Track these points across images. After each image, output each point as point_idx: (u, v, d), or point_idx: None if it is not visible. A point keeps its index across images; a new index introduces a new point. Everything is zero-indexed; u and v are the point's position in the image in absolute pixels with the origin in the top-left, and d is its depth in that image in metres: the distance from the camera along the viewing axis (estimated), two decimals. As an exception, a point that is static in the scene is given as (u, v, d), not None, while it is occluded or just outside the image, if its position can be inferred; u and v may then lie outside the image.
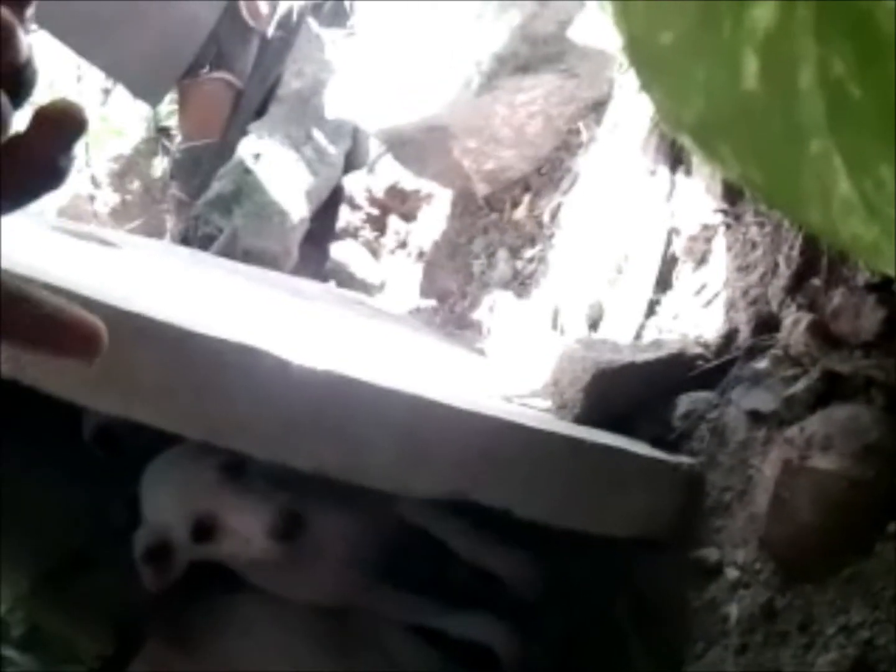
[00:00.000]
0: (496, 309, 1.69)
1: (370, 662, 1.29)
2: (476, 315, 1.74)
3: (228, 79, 2.36)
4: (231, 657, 1.28)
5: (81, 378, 0.99)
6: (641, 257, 1.45)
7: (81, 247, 1.50)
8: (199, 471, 1.22)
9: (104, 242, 1.59)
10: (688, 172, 1.46)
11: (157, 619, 1.31)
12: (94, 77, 2.76)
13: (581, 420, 1.24)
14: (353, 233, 2.09)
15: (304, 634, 1.30)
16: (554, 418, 1.26)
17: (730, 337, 1.27)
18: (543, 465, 1.13)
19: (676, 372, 1.25)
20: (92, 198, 2.53)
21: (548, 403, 1.30)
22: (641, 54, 0.66)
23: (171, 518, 1.23)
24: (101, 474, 1.38)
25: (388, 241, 2.04)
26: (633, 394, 1.26)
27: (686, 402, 1.23)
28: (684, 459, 1.18)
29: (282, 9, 2.37)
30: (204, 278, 1.63)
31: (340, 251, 2.09)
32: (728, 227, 1.34)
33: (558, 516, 1.13)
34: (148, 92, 2.39)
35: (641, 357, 1.26)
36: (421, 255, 1.96)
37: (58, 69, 2.76)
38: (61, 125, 0.47)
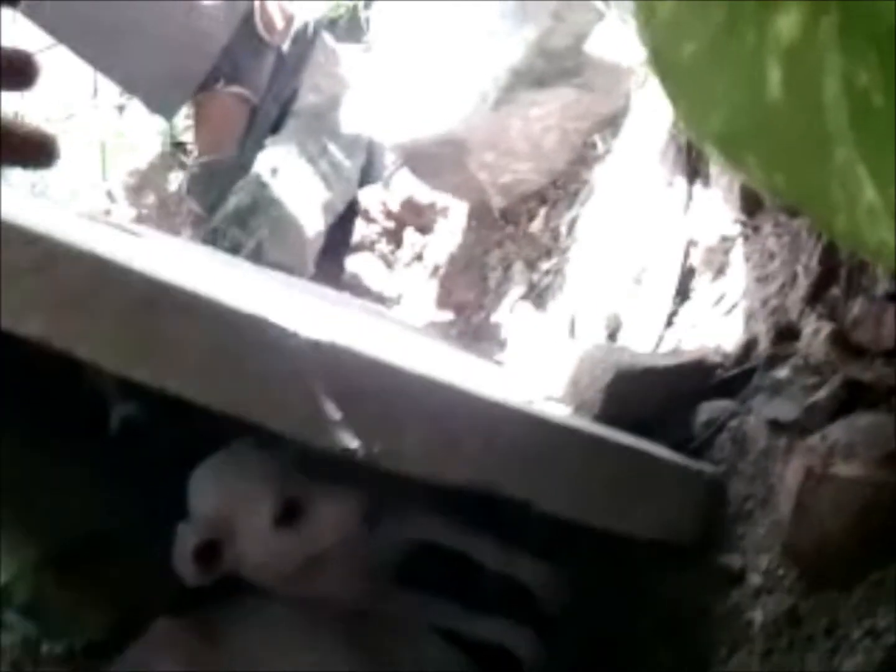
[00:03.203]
0: (513, 320, 1.71)
1: (396, 664, 1.30)
2: (492, 327, 1.75)
3: (243, 93, 2.37)
4: (253, 651, 1.28)
5: (117, 347, 1.00)
6: (659, 269, 1.46)
7: (110, 231, 1.51)
8: (278, 460, 1.23)
9: (129, 231, 1.60)
10: (706, 184, 1.47)
11: (170, 604, 1.31)
12: (109, 92, 2.78)
13: (599, 420, 1.25)
14: (368, 246, 2.11)
15: (329, 636, 1.29)
16: (576, 418, 1.27)
17: (749, 347, 1.27)
18: (569, 460, 1.14)
19: (696, 379, 1.26)
20: (108, 212, 2.55)
21: (567, 407, 1.31)
22: (665, 65, 0.67)
23: (245, 507, 1.24)
24: (123, 468, 1.40)
25: (404, 254, 2.05)
26: (653, 398, 1.27)
27: (707, 410, 1.24)
28: (706, 467, 1.19)
29: (297, 23, 2.39)
30: (230, 272, 1.64)
31: (356, 264, 2.11)
32: (746, 238, 1.35)
33: (582, 513, 1.13)
34: (163, 105, 2.41)
35: (662, 362, 1.28)
36: (437, 268, 1.97)
37: (74, 84, 2.78)
38: (32, 150, 0.48)
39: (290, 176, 2.20)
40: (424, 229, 2.03)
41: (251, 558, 1.25)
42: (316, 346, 1.05)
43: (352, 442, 1.06)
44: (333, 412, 1.06)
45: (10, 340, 0.98)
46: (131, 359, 1.01)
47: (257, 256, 2.09)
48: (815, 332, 1.18)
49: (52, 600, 1.39)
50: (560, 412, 1.30)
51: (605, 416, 1.26)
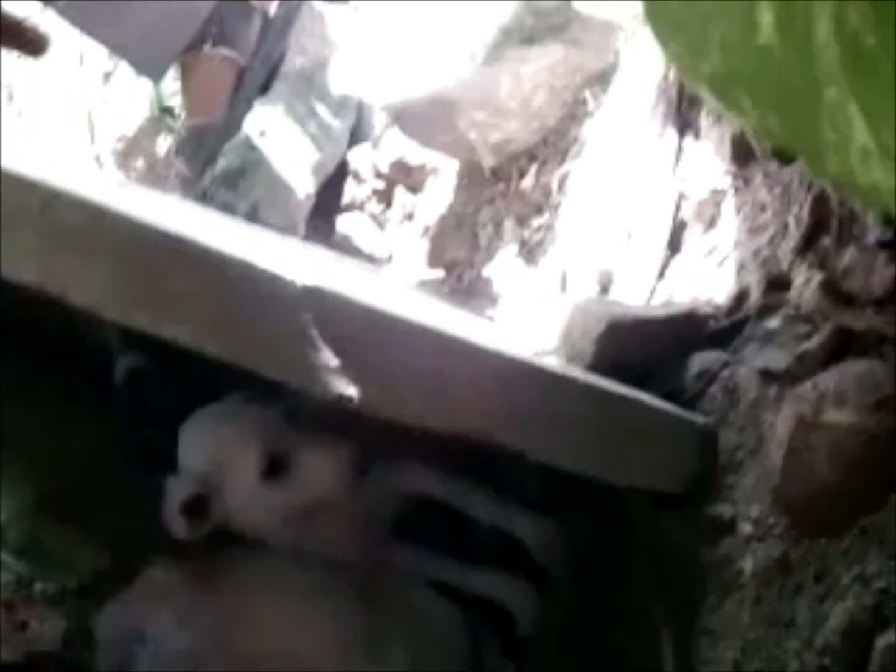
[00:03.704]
0: (504, 277, 1.70)
1: (395, 616, 1.30)
2: (484, 284, 1.75)
3: (231, 56, 2.36)
4: (248, 600, 1.28)
5: (114, 292, 1.00)
6: (651, 222, 1.46)
7: (103, 182, 1.51)
8: (266, 414, 1.24)
9: (120, 185, 1.60)
10: (696, 137, 1.47)
11: (165, 547, 1.31)
12: (96, 59, 2.77)
13: (591, 371, 1.25)
14: (359, 206, 2.10)
15: (324, 587, 1.30)
16: (569, 368, 1.27)
17: (740, 298, 1.27)
18: (562, 410, 1.13)
19: (688, 331, 1.26)
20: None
21: (559, 359, 1.31)
22: (659, 10, 0.67)
23: (231, 459, 1.24)
24: (122, 416, 1.40)
25: (395, 213, 2.05)
26: (644, 349, 1.26)
27: (698, 361, 1.24)
28: (698, 417, 1.19)
29: (284, -15, 2.37)
30: (224, 226, 1.64)
31: (346, 224, 2.10)
32: (737, 190, 1.35)
33: (574, 462, 1.13)
34: (150, 68, 2.39)
35: (654, 314, 1.28)
36: (427, 227, 1.97)
37: (60, 52, 2.77)
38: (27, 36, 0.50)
39: (278, 138, 2.20)
40: (415, 189, 2.03)
41: (239, 512, 1.26)
42: (312, 293, 1.04)
43: (347, 389, 1.06)
44: (329, 359, 1.05)
45: (12, 286, 0.98)
46: (127, 305, 1.01)
47: (252, 218, 2.09)
48: (806, 282, 1.17)
49: (47, 541, 1.39)
50: (555, 362, 1.30)
51: (597, 367, 1.26)
